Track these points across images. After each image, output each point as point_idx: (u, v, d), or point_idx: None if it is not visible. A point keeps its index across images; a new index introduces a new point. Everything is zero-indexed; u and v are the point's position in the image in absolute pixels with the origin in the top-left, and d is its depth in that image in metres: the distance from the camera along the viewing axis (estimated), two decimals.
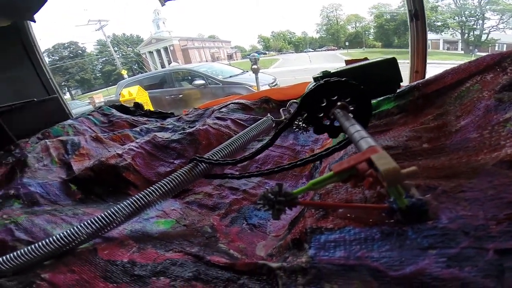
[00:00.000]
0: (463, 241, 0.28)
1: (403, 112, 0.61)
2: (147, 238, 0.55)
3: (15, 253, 0.53)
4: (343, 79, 0.43)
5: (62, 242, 0.53)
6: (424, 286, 0.27)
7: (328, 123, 0.52)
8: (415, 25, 1.52)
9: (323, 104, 0.47)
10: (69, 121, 1.69)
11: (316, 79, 0.61)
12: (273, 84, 5.78)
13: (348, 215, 0.36)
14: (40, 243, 0.53)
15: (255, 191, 0.75)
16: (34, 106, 1.98)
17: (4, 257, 0.52)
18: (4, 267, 0.51)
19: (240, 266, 0.40)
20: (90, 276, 0.47)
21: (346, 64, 1.43)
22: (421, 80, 0.64)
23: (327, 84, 0.44)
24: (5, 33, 1.88)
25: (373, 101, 0.69)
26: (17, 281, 0.49)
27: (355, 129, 0.37)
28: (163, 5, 2.51)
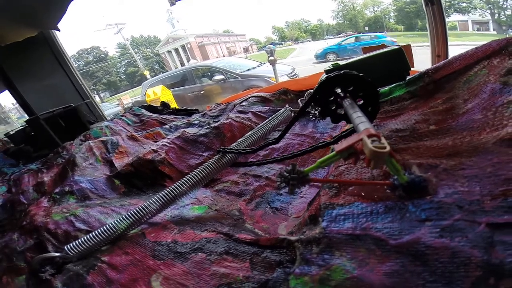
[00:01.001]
0: (456, 214, 0.32)
1: (414, 97, 0.63)
2: (185, 222, 0.64)
3: (80, 240, 0.62)
4: (347, 71, 0.47)
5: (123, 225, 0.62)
6: (419, 254, 0.31)
7: (343, 112, 0.56)
8: (431, 10, 1.45)
9: (332, 98, 0.51)
10: (105, 123, 1.85)
11: (327, 71, 0.65)
12: (292, 74, 5.72)
13: (357, 192, 0.41)
14: (103, 228, 0.62)
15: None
16: (71, 111, 2.20)
17: (69, 245, 0.62)
18: (70, 253, 0.61)
19: (264, 242, 0.47)
20: (141, 256, 0.57)
21: (364, 52, 1.42)
22: (431, 67, 0.65)
23: (332, 78, 0.48)
24: (35, 44, 2.08)
25: (385, 88, 0.71)
26: (81, 265, 0.59)
27: (357, 115, 0.41)
28: (172, 4, 2.59)
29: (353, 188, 0.43)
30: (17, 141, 2.05)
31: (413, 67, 1.24)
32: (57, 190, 1.04)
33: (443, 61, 0.62)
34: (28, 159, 1.94)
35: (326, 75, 0.52)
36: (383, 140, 0.31)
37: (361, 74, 0.48)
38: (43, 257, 0.63)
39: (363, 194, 0.41)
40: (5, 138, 2.19)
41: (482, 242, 0.29)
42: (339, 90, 0.49)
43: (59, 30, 2.18)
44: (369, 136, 0.32)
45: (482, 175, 0.35)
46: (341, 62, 0.66)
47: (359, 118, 0.39)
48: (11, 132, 2.16)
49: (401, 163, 0.39)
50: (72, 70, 2.45)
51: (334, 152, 0.36)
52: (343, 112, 0.55)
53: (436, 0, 1.42)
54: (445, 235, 0.31)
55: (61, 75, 2.36)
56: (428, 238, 0.31)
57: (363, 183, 0.42)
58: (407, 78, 0.66)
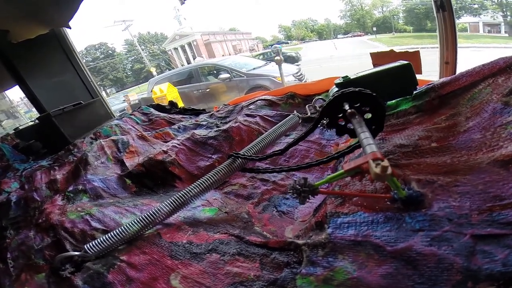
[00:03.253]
0: (446, 226, 0.37)
1: (420, 112, 0.66)
2: (198, 223, 0.69)
3: (99, 239, 0.65)
4: (362, 90, 0.50)
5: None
6: (411, 259, 0.36)
7: (351, 128, 0.59)
8: (442, 16, 1.47)
9: (341, 113, 0.55)
10: (115, 121, 1.90)
11: (337, 85, 0.68)
12: (298, 74, 5.73)
13: (360, 202, 0.46)
14: (120, 229, 0.66)
15: (283, 182, 0.85)
16: (81, 108, 2.24)
17: (89, 244, 0.65)
18: (90, 252, 0.64)
19: (272, 244, 0.52)
20: (159, 256, 0.60)
21: (372, 56, 1.44)
22: (437, 81, 0.68)
23: (346, 94, 0.51)
24: (46, 41, 2.11)
25: (393, 101, 0.75)
26: (100, 263, 0.62)
27: (364, 136, 0.45)
28: (182, 3, 2.63)
29: (357, 199, 0.47)
30: (25, 137, 2.10)
31: (421, 73, 1.27)
32: (70, 188, 1.08)
33: (450, 77, 0.65)
34: (38, 155, 1.99)
35: (338, 89, 0.56)
36: (386, 163, 0.36)
37: (374, 94, 0.50)
38: (65, 255, 0.66)
39: (365, 204, 0.45)
40: (14, 132, 2.25)
41: (464, 251, 0.33)
42: (347, 107, 0.52)
43: (70, 28, 2.22)
44: (374, 159, 0.37)
45: (473, 192, 0.39)
46: (351, 76, 0.69)
47: (367, 140, 0.43)
48: (20, 127, 2.22)
49: (401, 178, 0.43)
50: (82, 67, 2.49)
51: (342, 171, 0.41)
52: (351, 127, 0.59)
53: (447, 6, 1.44)
54: (434, 244, 0.35)
55: (70, 72, 2.40)
56: (420, 246, 0.36)
57: (366, 196, 0.47)
58: (413, 92, 0.69)
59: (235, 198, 0.82)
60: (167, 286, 0.52)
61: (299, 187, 0.43)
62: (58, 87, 2.22)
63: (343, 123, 0.58)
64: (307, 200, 0.45)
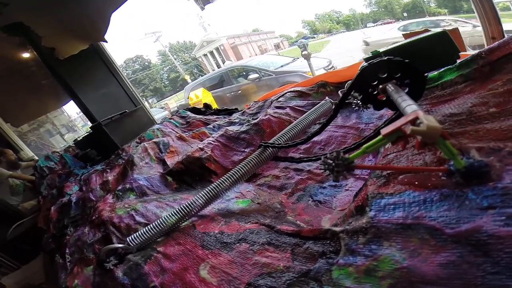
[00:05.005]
0: None
1: (468, 80, 0.57)
2: (230, 214, 0.67)
3: (138, 232, 0.68)
4: (390, 58, 0.44)
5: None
6: (480, 243, 0.29)
7: (385, 99, 0.53)
8: None
9: (375, 84, 0.49)
10: (156, 126, 2.02)
11: (367, 59, 0.62)
12: (329, 67, 5.51)
13: (408, 180, 0.39)
14: (158, 221, 0.68)
15: (319, 170, 0.79)
16: (126, 116, 2.44)
17: (130, 236, 0.68)
18: (131, 244, 0.67)
19: (306, 233, 0.47)
20: (192, 246, 0.61)
21: (405, 38, 1.31)
22: (483, 49, 0.59)
23: (375, 64, 0.45)
24: (88, 56, 2.34)
25: (435, 72, 0.66)
26: (140, 255, 0.64)
27: (403, 99, 0.38)
28: (202, 9, 2.69)
29: (403, 176, 0.40)
30: (83, 146, 2.35)
31: (465, 50, 1.11)
32: (119, 187, 1.16)
33: (497, 42, 0.55)
34: (94, 161, 2.22)
35: (367, 62, 0.50)
36: (429, 118, 0.29)
37: (405, 60, 0.45)
38: (109, 248, 0.70)
39: (415, 182, 0.38)
40: (74, 145, 2.54)
41: None
42: (382, 76, 0.46)
43: (106, 42, 2.44)
44: (416, 118, 0.30)
45: None
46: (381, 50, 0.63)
47: (405, 102, 0.37)
48: (78, 139, 2.49)
49: (457, 147, 0.36)
50: (123, 78, 2.71)
51: (381, 136, 0.35)
52: (385, 98, 0.53)
53: None
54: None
55: (114, 84, 2.62)
56: (492, 226, 0.28)
57: (415, 169, 0.39)
58: (457, 62, 0.60)
59: (268, 189, 0.79)
60: (196, 276, 0.51)
61: (331, 162, 0.38)
62: (105, 98, 2.44)
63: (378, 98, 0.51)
64: (343, 183, 0.40)
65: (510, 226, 0.28)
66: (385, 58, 0.46)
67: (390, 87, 0.45)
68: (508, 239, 0.27)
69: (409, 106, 0.35)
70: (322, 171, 0.39)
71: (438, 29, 0.60)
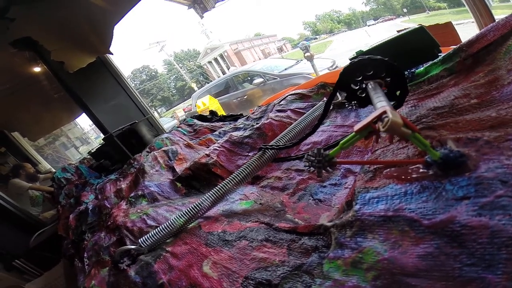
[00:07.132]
0: (499, 190, 0.29)
1: (452, 74, 0.59)
2: (233, 214, 0.71)
3: (149, 234, 0.73)
4: (371, 56, 0.46)
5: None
6: (455, 234, 0.29)
7: (364, 96, 0.55)
8: None
9: (360, 81, 0.51)
10: (165, 135, 2.08)
11: (351, 59, 0.64)
12: (333, 67, 5.48)
13: (391, 174, 0.41)
14: (166, 223, 0.73)
15: None
16: (136, 126, 2.53)
17: (142, 238, 0.73)
18: (143, 245, 0.71)
19: (301, 229, 0.50)
20: (197, 244, 0.65)
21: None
22: (464, 42, 0.61)
23: (355, 64, 0.48)
24: (96, 69, 2.43)
25: (421, 68, 0.68)
26: (151, 255, 0.69)
27: (376, 96, 0.41)
28: (202, 17, 2.76)
29: (388, 170, 0.42)
30: (97, 157, 2.45)
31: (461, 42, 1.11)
32: (132, 194, 1.22)
33: (475, 35, 0.57)
34: (108, 171, 2.31)
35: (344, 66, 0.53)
36: (393, 113, 0.31)
37: (381, 57, 0.47)
38: (122, 249, 0.74)
39: (398, 175, 0.40)
40: (89, 156, 2.65)
41: None
42: (368, 74, 0.49)
43: (112, 54, 2.53)
44: (383, 113, 0.33)
45: None
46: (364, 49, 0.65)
47: (378, 98, 0.39)
48: (92, 151, 2.60)
49: (437, 140, 0.38)
50: (131, 89, 2.81)
51: (353, 133, 0.37)
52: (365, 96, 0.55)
53: None
54: (484, 213, 0.28)
55: (122, 95, 2.71)
56: (464, 216, 0.29)
57: (394, 162, 0.41)
58: (440, 56, 0.62)
59: (271, 190, 0.81)
60: (199, 272, 0.54)
61: (313, 158, 0.40)
62: (115, 110, 2.53)
63: (363, 95, 0.54)
64: (325, 173, 0.42)
65: (482, 216, 0.28)
66: (366, 57, 0.48)
67: (369, 85, 0.47)
68: (480, 229, 0.28)
69: (380, 103, 0.37)
70: (307, 167, 0.42)
71: (416, 26, 0.62)
